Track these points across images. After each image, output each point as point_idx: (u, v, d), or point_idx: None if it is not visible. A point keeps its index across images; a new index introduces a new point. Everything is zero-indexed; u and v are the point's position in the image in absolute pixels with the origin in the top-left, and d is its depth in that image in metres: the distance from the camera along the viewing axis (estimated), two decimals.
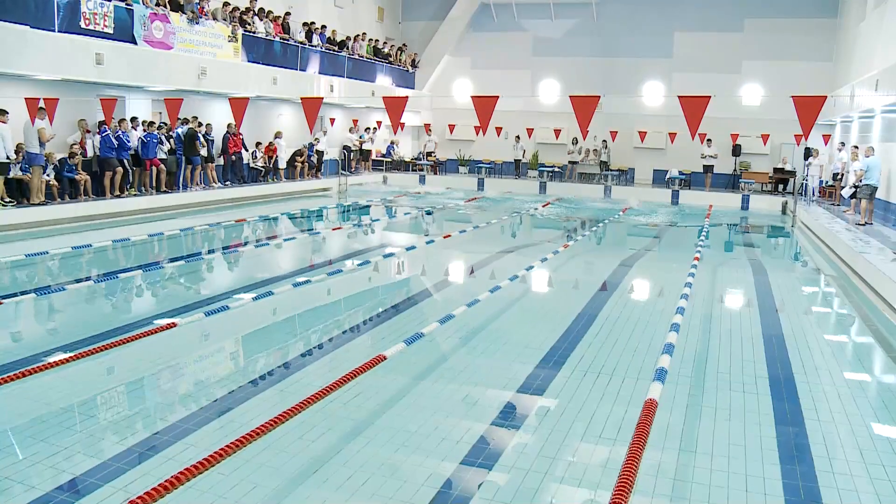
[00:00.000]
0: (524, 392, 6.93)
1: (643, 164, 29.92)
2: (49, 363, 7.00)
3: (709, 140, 26.50)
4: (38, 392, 6.63)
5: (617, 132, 28.72)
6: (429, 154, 31.78)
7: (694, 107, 10.45)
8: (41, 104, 15.65)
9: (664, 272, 12.35)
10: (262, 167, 24.19)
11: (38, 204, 16.15)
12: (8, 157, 15.36)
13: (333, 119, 28.37)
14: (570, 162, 29.54)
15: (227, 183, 22.60)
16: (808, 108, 10.30)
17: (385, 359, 7.17)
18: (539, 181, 28.17)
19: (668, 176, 27.84)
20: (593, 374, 7.40)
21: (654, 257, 13.47)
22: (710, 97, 10.56)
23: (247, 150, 23.54)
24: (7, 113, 15.30)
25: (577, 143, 29.12)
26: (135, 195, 18.78)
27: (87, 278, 10.69)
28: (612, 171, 28.27)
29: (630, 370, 7.47)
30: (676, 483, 5.20)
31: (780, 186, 26.46)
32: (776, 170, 26.62)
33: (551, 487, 5.09)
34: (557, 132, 30.76)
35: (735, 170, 28.05)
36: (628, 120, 29.09)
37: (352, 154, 29.03)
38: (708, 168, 27.16)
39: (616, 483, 4.32)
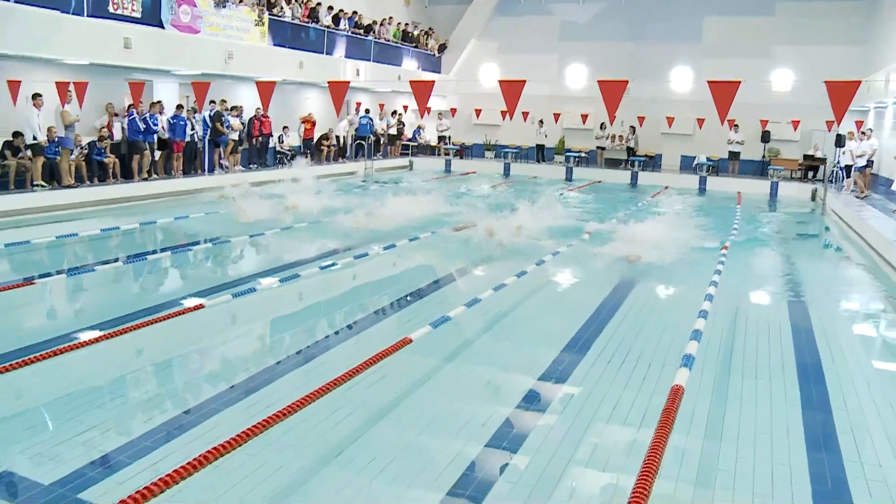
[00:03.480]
0: (549, 376, 6.92)
1: (671, 150, 29.65)
2: (79, 342, 7.09)
3: (736, 126, 26.17)
4: (69, 371, 6.72)
5: (644, 117, 28.44)
6: (441, 138, 31.69)
7: (723, 92, 10.32)
8: (71, 88, 15.80)
9: (693, 258, 12.24)
10: (289, 151, 24.26)
11: (68, 186, 16.33)
12: (35, 139, 15.51)
13: (360, 103, 28.37)
14: (598, 147, 29.31)
15: (252, 166, 22.69)
16: (842, 94, 10.13)
17: (411, 342, 7.17)
18: (565, 166, 27.95)
19: (695, 162, 27.53)
20: (618, 360, 7.37)
21: (683, 244, 13.34)
22: (739, 82, 10.42)
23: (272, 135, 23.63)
24: (41, 96, 15.47)
25: (605, 128, 28.86)
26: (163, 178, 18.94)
27: (116, 260, 10.80)
28: (638, 157, 27.98)
29: (656, 357, 7.42)
30: (701, 469, 5.18)
31: (810, 174, 26.10)
32: (806, 157, 26.26)
33: (575, 471, 5.09)
34: (584, 117, 30.54)
35: (763, 156, 27.69)
36: (656, 105, 28.79)
37: (380, 138, 29.03)
38: (734, 154, 26.83)
39: (641, 468, 4.30)
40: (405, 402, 6.28)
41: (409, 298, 9.53)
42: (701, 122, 27.20)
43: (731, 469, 5.16)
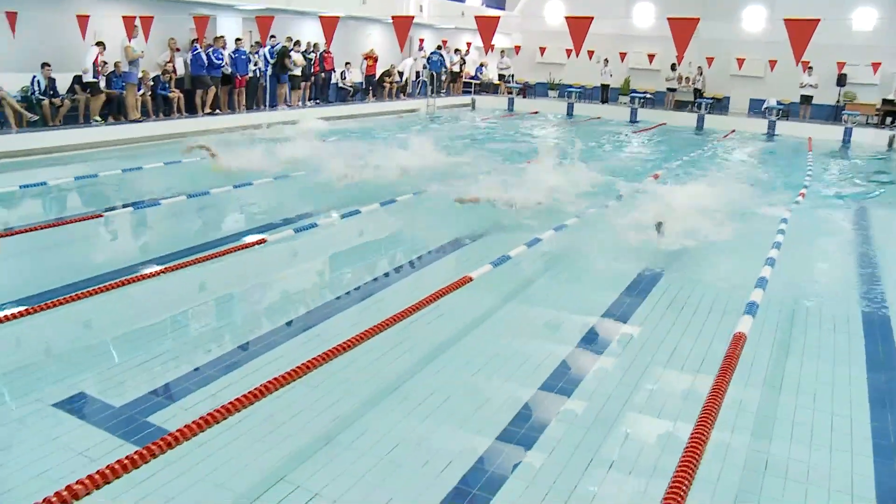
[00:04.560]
0: (607, 319, 6.89)
1: (740, 92, 28.70)
2: (145, 274, 7.28)
3: (810, 68, 25.13)
4: (136, 301, 6.92)
5: (713, 58, 27.53)
6: (502, 76, 31.18)
7: (800, 31, 9.91)
8: (137, 23, 15.96)
9: (764, 203, 11.96)
10: (351, 87, 24.23)
11: (134, 121, 16.61)
12: (95, 78, 15.75)
13: (423, 39, 28.06)
14: (668, 89, 28.47)
15: (316, 102, 22.74)
16: None
17: (471, 280, 7.19)
18: (630, 107, 27.31)
19: (765, 106, 26.61)
20: (679, 304, 7.28)
21: (755, 191, 13.04)
22: (818, 21, 9.99)
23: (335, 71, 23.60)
24: (102, 45, 15.72)
25: (675, 69, 27.96)
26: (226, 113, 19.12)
27: (181, 194, 10.99)
28: (706, 99, 27.15)
29: (717, 303, 7.31)
30: (758, 418, 5.13)
31: (889, 119, 25.01)
32: (885, 101, 25.15)
33: (630, 416, 5.08)
34: (651, 57, 29.72)
35: (838, 101, 26.62)
36: (725, 46, 27.81)
37: (442, 76, 28.76)
38: (806, 98, 25.82)
39: (699, 415, 4.27)
40: (462, 340, 6.32)
41: (470, 237, 9.50)
42: (773, 63, 26.21)
43: (789, 418, 5.10)
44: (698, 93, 27.83)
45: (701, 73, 27.89)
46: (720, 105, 28.21)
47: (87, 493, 3.51)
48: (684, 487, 3.44)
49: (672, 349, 6.19)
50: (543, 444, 4.65)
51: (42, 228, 8.80)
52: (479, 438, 4.70)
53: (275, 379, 4.71)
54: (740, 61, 27.98)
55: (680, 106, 28.15)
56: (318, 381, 5.13)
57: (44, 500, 3.37)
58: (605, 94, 29.21)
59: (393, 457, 4.46)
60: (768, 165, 17.74)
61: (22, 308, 6.11)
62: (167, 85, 17.71)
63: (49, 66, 15.32)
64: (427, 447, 4.57)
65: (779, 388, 5.60)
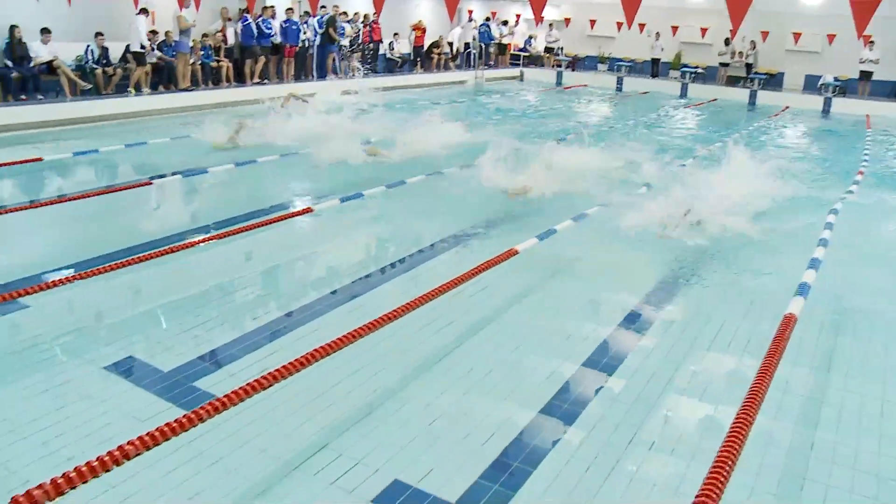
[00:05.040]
0: (652, 297, 6.82)
1: (795, 68, 27.94)
2: (194, 241, 7.39)
3: (871, 42, 24.34)
4: (184, 268, 7.03)
5: (768, 32, 26.85)
6: (549, 49, 30.78)
7: (864, 3, 9.57)
8: None
9: (818, 182, 11.70)
10: (399, 58, 24.18)
11: (184, 90, 16.79)
12: (143, 47, 15.92)
13: (472, 10, 27.83)
14: (720, 64, 27.81)
15: (364, 73, 22.76)
16: None
17: (517, 253, 7.16)
18: (681, 82, 26.82)
19: (821, 82, 25.88)
20: (726, 284, 7.18)
21: (811, 170, 12.75)
22: None
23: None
24: (147, 12, 15.85)
25: (728, 43, 27.31)
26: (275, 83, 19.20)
27: (229, 163, 11.09)
28: (759, 74, 26.49)
29: (767, 283, 7.18)
30: (804, 402, 5.05)
31: None
32: None
33: (672, 397, 5.04)
34: (703, 31, 29.09)
35: None
36: (782, 19, 27.06)
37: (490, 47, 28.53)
38: (866, 74, 24.98)
39: (745, 397, 4.21)
40: (506, 314, 6.32)
41: (515, 212, 9.43)
42: (831, 37, 25.47)
43: (838, 404, 5.01)
44: (750, 68, 27.18)
45: (754, 48, 27.18)
46: (774, 81, 27.56)
47: (137, 454, 3.59)
48: (727, 469, 3.41)
49: (717, 331, 6.11)
50: (584, 421, 4.64)
51: (93, 195, 8.97)
52: (520, 412, 4.70)
53: (320, 348, 4.76)
54: (797, 35, 27.24)
55: (732, 81, 27.54)
56: (361, 351, 5.17)
57: (96, 459, 3.46)
58: (655, 68, 28.68)
59: (434, 428, 4.49)
60: (823, 144, 17.32)
61: (74, 273, 6.25)
62: (212, 54, 17.84)
63: (102, 35, 15.55)
64: (468, 420, 4.59)
65: (826, 372, 5.50)
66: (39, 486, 3.26)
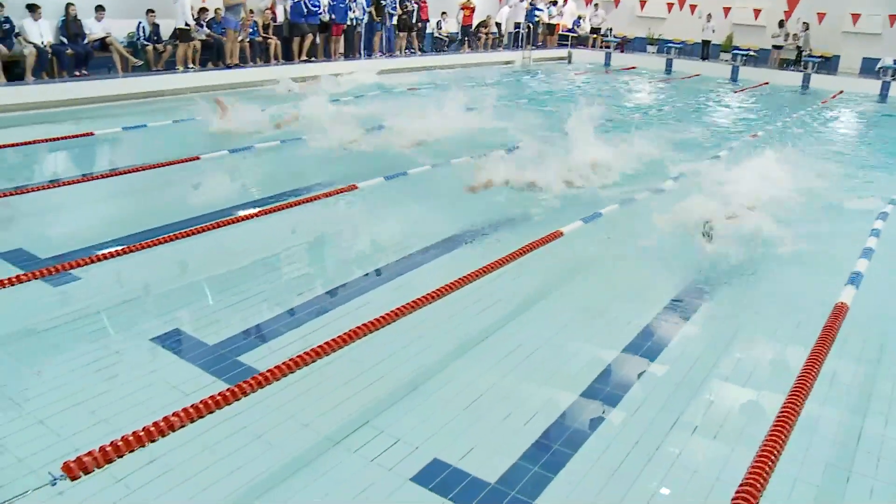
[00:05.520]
0: (697, 283, 6.71)
1: (852, 50, 27.12)
2: (240, 217, 7.45)
3: None
4: (230, 243, 7.11)
5: (825, 14, 26.12)
6: (595, 30, 30.33)
7: None
8: None
9: (872, 165, 11.39)
10: (446, 37, 24.08)
11: (232, 66, 16.92)
12: (187, 24, 16.06)
13: None
14: (773, 46, 27.14)
15: (410, 51, 22.72)
16: None
17: (562, 235, 7.11)
18: (731, 65, 26.26)
19: (879, 65, 25.09)
20: (773, 271, 7.03)
21: (863, 157, 12.41)
22: None
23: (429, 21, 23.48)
24: None
25: (783, 25, 26.58)
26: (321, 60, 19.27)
27: (274, 139, 11.14)
28: (814, 57, 25.75)
29: (816, 272, 7.01)
30: (852, 393, 4.95)
31: None
32: None
33: (714, 384, 4.97)
34: (756, 12, 28.42)
35: None
36: (839, 0, 26.32)
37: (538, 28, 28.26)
38: None
39: (793, 385, 4.12)
40: (549, 296, 6.29)
41: (563, 193, 9.28)
42: (893, 18, 24.64)
43: (887, 396, 4.89)
44: (801, 51, 26.41)
45: (806, 29, 26.34)
46: (828, 64, 26.81)
47: (182, 426, 3.64)
48: (773, 456, 3.35)
49: (763, 320, 6.01)
50: (626, 405, 4.61)
51: (142, 170, 9.10)
52: (561, 394, 4.68)
53: (363, 325, 4.77)
54: (855, 16, 26.45)
55: (785, 64, 26.88)
56: (404, 330, 5.17)
57: (143, 429, 3.52)
58: (705, 50, 28.11)
59: (476, 407, 4.49)
60: (879, 131, 16.83)
61: (124, 246, 6.36)
62: (262, 31, 17.93)
63: (153, 12, 15.72)
64: (509, 400, 4.58)
65: (877, 362, 5.38)
66: (89, 454, 3.33)
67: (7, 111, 12.54)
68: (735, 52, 26.90)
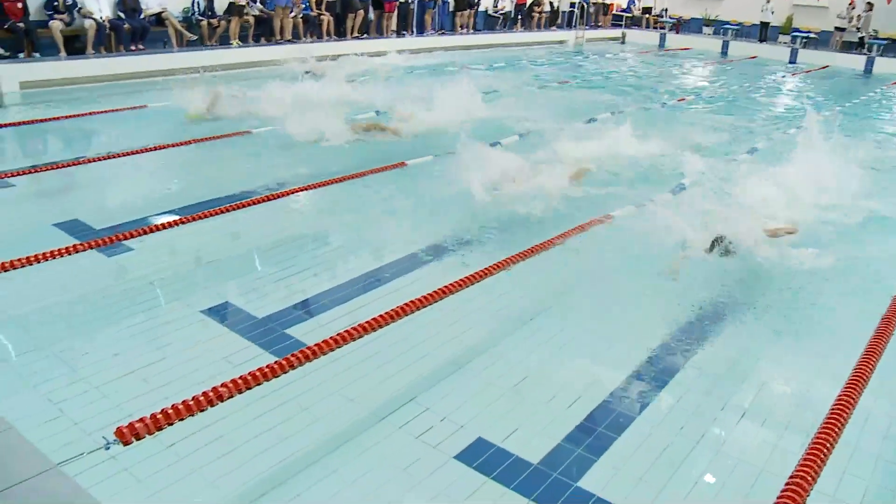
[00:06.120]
0: (747, 271, 6.57)
1: None
2: (291, 189, 7.51)
3: None
4: (281, 217, 7.18)
5: None
6: (646, 9, 29.72)
7: None
8: None
9: None
10: (501, 15, 23.93)
11: (283, 42, 17.01)
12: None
13: None
14: (836, 28, 26.26)
15: (462, 29, 22.61)
16: None
17: (611, 218, 7.02)
18: (791, 47, 25.56)
19: None
20: (830, 268, 6.77)
21: None
22: None
23: None
24: None
25: (852, 6, 25.63)
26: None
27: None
28: (879, 40, 24.84)
29: (877, 269, 6.77)
30: None
31: None
32: None
33: (765, 371, 4.90)
34: None
35: None
36: None
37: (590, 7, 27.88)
38: None
39: (850, 375, 4.03)
40: (597, 278, 6.21)
41: (605, 178, 9.11)
42: None
43: None
44: (860, 32, 25.46)
45: (870, 9, 25.35)
46: (895, 47, 25.90)
47: (230, 396, 3.70)
48: (827, 447, 3.29)
49: (820, 309, 5.86)
50: (673, 388, 4.56)
51: (195, 143, 9.21)
52: (607, 377, 4.64)
53: (410, 302, 4.79)
54: None
55: (848, 47, 26.06)
56: (452, 308, 5.18)
57: (192, 398, 3.59)
58: (764, 32, 27.41)
59: (521, 388, 4.48)
60: None
61: (176, 217, 6.46)
62: (315, 7, 17.99)
63: None
64: (555, 381, 4.56)
65: None
66: (140, 420, 3.40)
67: (68, 84, 12.79)
68: (795, 33, 26.18)
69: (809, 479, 3.10)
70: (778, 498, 3.06)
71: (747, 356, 5.05)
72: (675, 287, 6.11)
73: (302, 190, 7.66)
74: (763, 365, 4.96)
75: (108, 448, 3.29)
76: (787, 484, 3.10)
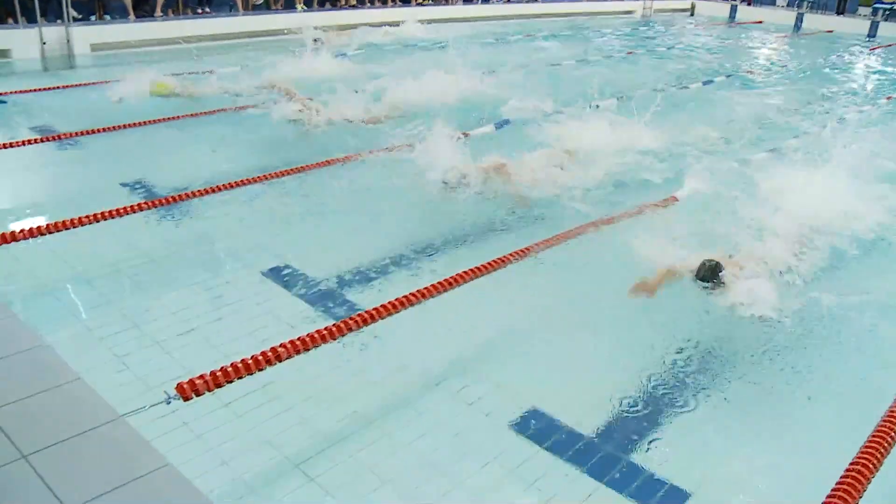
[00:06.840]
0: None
1: None
2: (354, 155, 7.55)
3: None
4: (344, 182, 7.18)
5: None
6: None
7: None
8: None
9: None
10: None
11: (347, 7, 17.04)
12: None
13: None
14: None
15: None
16: None
17: (676, 200, 6.87)
18: (871, 20, 24.39)
19: None
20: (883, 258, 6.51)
21: None
22: None
23: None
24: None
25: None
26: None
27: (383, 76, 10.99)
28: None
29: None
30: None
31: None
32: None
33: (799, 358, 4.71)
34: None
35: None
36: None
37: None
38: None
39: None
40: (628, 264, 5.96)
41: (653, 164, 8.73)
42: None
43: None
44: None
45: None
46: None
47: (288, 357, 3.77)
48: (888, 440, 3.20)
49: (876, 299, 5.62)
50: (730, 374, 4.47)
51: (258, 107, 9.29)
52: (664, 356, 4.55)
53: (469, 270, 4.79)
54: None
55: None
56: (509, 278, 5.14)
57: (251, 357, 3.65)
58: (841, 3, 26.33)
59: (578, 362, 4.45)
60: None
61: (240, 178, 6.54)
62: None
63: None
64: (613, 357, 4.54)
65: None
66: (201, 377, 3.48)
67: (136, 47, 13.00)
68: (877, 5, 24.95)
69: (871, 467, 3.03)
70: None
71: (782, 359, 4.91)
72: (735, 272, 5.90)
73: (367, 155, 7.63)
74: (796, 353, 4.82)
75: (170, 403, 3.38)
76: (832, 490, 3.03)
